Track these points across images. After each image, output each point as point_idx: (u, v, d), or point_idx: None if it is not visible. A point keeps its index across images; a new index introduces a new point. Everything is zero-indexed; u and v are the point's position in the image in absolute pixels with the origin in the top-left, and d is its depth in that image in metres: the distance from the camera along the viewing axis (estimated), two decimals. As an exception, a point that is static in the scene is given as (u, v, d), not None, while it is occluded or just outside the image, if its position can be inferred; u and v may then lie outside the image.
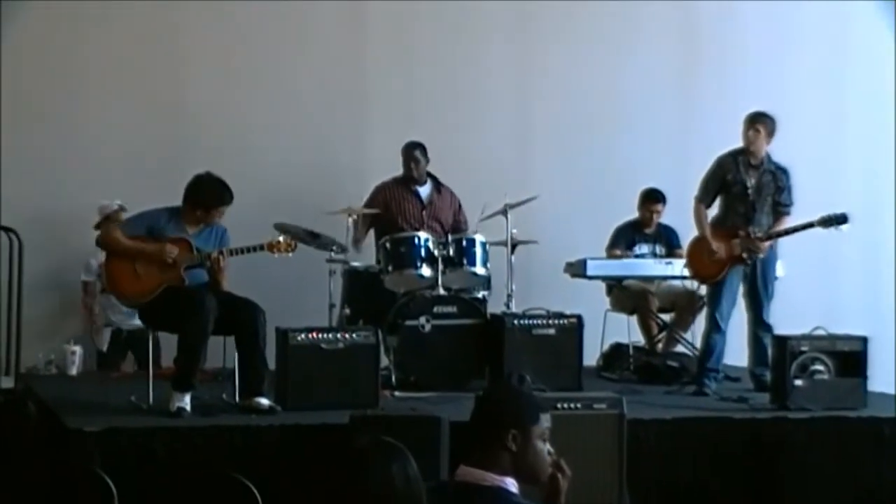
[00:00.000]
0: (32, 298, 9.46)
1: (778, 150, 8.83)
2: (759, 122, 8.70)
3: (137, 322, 8.40)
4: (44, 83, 9.96)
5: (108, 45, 10.11)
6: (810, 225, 8.66)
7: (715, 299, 8.80)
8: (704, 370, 8.79)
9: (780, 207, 8.76)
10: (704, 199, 8.86)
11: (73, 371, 9.45)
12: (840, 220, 8.64)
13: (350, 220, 9.04)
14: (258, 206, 9.41)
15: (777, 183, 8.74)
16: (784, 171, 8.79)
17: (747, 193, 8.71)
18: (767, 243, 8.68)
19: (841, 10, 11.25)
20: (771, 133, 8.71)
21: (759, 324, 8.77)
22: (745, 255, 8.65)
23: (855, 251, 10.76)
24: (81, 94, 10.05)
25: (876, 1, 11.02)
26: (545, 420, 3.79)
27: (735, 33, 11.19)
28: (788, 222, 8.77)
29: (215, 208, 7.84)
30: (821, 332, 8.24)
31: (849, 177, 11.17)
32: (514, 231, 9.13)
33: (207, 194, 7.85)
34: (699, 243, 8.85)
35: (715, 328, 8.76)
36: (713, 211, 8.92)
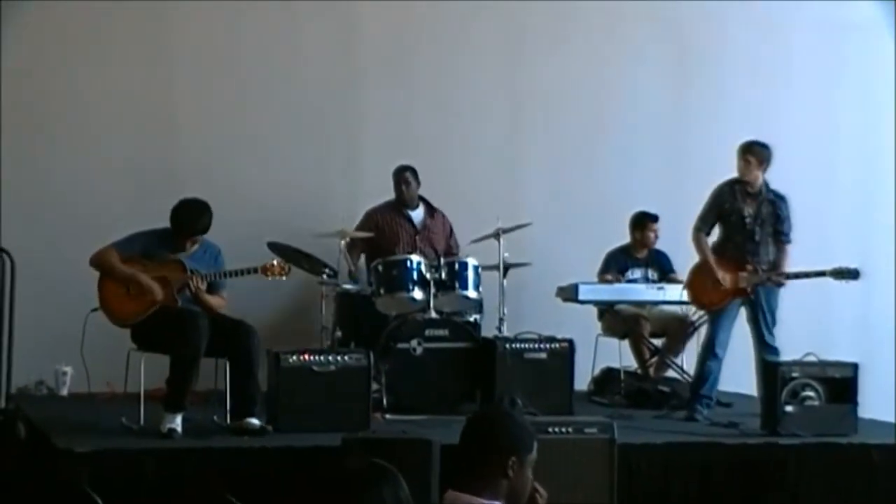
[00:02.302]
0: (24, 318, 9.45)
1: (771, 172, 8.85)
2: (749, 153, 8.73)
3: None
4: (43, 86, 9.98)
5: (103, 53, 10.13)
6: (822, 273, 8.72)
7: (714, 327, 8.80)
8: (698, 397, 8.78)
9: (781, 237, 8.78)
10: (703, 227, 8.89)
11: (64, 391, 9.45)
12: (853, 275, 8.71)
13: (342, 243, 9.04)
14: (251, 228, 9.42)
15: (777, 212, 8.75)
16: (783, 199, 8.81)
17: (745, 223, 8.73)
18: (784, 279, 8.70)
19: (834, 33, 11.28)
20: (763, 161, 8.72)
21: (764, 348, 8.73)
22: (749, 290, 8.67)
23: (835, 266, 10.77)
24: (79, 102, 10.05)
25: (874, 2, 11.03)
26: (535, 448, 3.83)
27: (728, 56, 11.20)
28: (789, 251, 8.79)
29: (188, 236, 7.86)
30: (811, 359, 8.25)
31: (841, 201, 11.20)
32: (506, 255, 9.14)
33: (182, 221, 7.87)
34: (702, 270, 8.85)
35: (711, 355, 8.75)
36: (712, 237, 8.96)
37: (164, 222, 7.96)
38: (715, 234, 8.96)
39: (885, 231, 11.07)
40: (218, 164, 10.06)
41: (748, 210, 8.74)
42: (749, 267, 8.68)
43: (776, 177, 8.88)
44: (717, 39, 11.20)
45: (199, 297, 7.81)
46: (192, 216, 7.88)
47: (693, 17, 11.06)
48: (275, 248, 8.52)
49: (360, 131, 10.60)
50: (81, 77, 10.09)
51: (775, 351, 8.69)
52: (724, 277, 8.69)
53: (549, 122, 10.94)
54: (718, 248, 8.87)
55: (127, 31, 10.19)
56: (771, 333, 8.75)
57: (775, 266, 8.74)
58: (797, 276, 8.73)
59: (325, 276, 8.85)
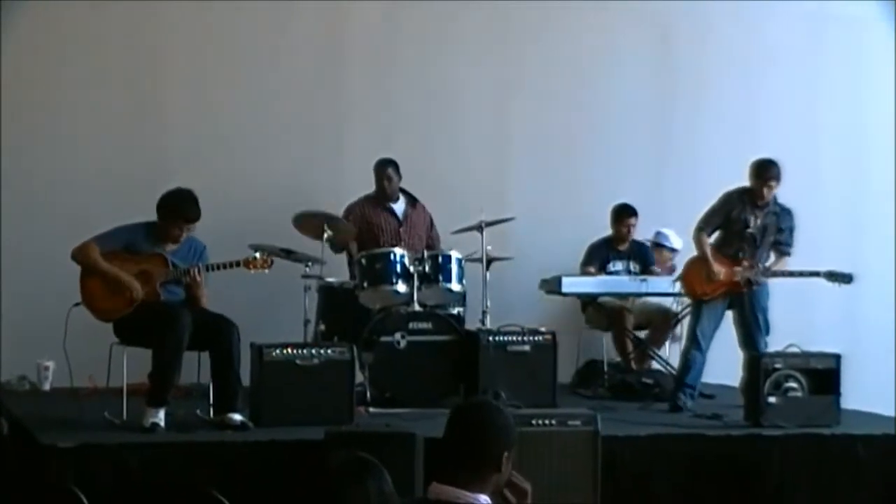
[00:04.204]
0: (6, 313, 9.43)
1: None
2: (772, 178, 8.70)
3: None
4: (38, 86, 9.96)
5: (98, 53, 10.12)
6: (816, 274, 8.81)
7: (697, 317, 8.88)
8: (682, 385, 8.82)
9: (782, 247, 8.85)
10: (705, 228, 8.93)
11: (46, 386, 9.42)
12: (846, 279, 8.79)
13: (325, 235, 9.01)
14: (235, 223, 9.41)
15: (780, 224, 8.81)
16: (788, 212, 8.88)
17: (747, 233, 8.77)
18: (766, 279, 8.74)
19: (818, 29, 11.31)
20: (780, 180, 8.76)
21: (752, 353, 8.74)
22: (742, 284, 8.70)
23: (834, 268, 10.81)
24: (70, 101, 10.03)
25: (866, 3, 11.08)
26: None
27: (712, 52, 11.22)
28: (788, 262, 8.84)
29: (178, 224, 7.84)
30: (794, 350, 8.27)
31: (828, 190, 11.22)
32: (489, 248, 9.13)
33: (174, 208, 7.85)
34: (698, 262, 8.89)
35: (695, 345, 8.81)
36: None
37: (146, 217, 7.95)
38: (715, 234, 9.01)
39: (872, 223, 11.13)
40: (204, 160, 10.03)
41: (753, 221, 8.80)
42: (746, 263, 8.72)
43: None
44: (701, 35, 11.21)
45: (195, 289, 7.79)
46: (186, 203, 7.86)
47: (677, 13, 11.06)
48: (257, 249, 8.50)
49: (345, 125, 10.59)
50: (75, 77, 10.07)
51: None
52: (720, 270, 8.74)
53: (533, 117, 10.93)
54: (717, 248, 8.91)
55: (121, 33, 10.17)
56: (763, 342, 8.78)
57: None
58: (791, 274, 8.83)
59: (307, 269, 8.83)
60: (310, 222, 9.02)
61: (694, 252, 8.98)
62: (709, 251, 8.86)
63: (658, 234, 10.44)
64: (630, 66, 11.13)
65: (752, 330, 8.80)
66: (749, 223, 8.80)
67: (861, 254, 10.86)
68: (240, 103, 10.38)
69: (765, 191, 8.75)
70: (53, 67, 10.04)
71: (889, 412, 8.59)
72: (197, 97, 10.31)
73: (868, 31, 11.22)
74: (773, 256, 8.88)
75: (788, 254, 8.87)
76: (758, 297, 8.81)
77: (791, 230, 8.87)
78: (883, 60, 11.05)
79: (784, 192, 8.94)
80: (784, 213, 8.87)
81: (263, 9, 10.38)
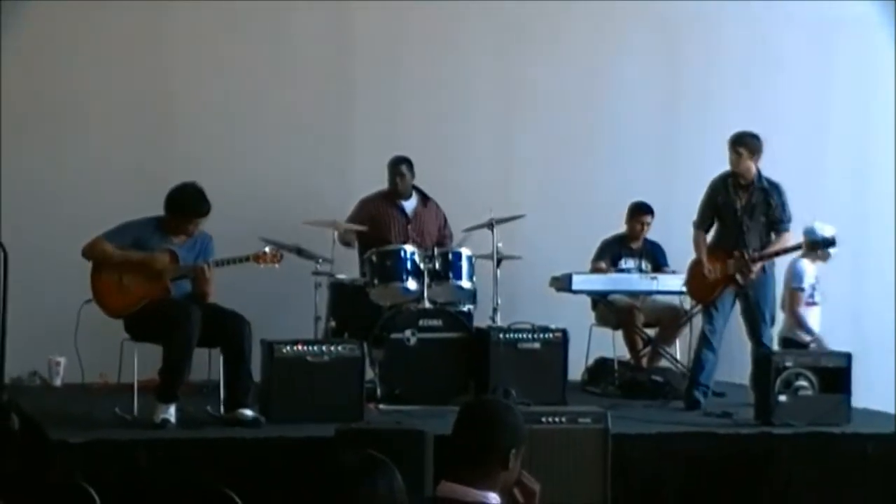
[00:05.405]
0: (18, 309, 9.43)
1: (763, 167, 8.86)
2: (740, 145, 8.71)
3: None
4: (42, 85, 9.98)
5: (100, 51, 10.15)
6: (798, 247, 8.72)
7: (706, 317, 8.87)
8: (695, 384, 8.82)
9: (777, 225, 8.76)
10: (701, 224, 8.93)
11: (58, 382, 9.44)
12: (828, 243, 8.69)
13: (335, 233, 9.03)
14: (243, 219, 9.42)
15: (769, 200, 8.74)
16: (775, 186, 8.78)
17: (736, 215, 8.74)
18: (758, 265, 8.69)
19: (824, 30, 11.29)
20: (754, 152, 8.71)
21: (757, 345, 8.75)
22: (738, 276, 8.67)
23: (839, 267, 10.78)
24: (75, 99, 10.07)
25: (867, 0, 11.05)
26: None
27: (719, 51, 11.20)
28: (788, 238, 8.80)
29: (190, 219, 7.85)
30: (805, 348, 8.27)
31: (833, 191, 11.19)
32: (500, 245, 9.14)
33: (184, 204, 7.85)
34: (697, 266, 8.89)
35: (705, 345, 8.81)
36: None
37: (154, 212, 7.96)
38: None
39: (876, 221, 11.08)
40: (212, 160, 10.02)
41: (740, 202, 8.75)
42: (736, 254, 8.69)
43: (767, 169, 8.88)
44: (707, 36, 11.19)
45: (202, 284, 7.79)
46: (197, 198, 7.87)
47: (685, 15, 11.04)
48: (268, 243, 8.52)
49: (353, 126, 10.60)
50: (78, 75, 10.09)
51: (767, 349, 8.70)
52: (714, 269, 8.73)
53: (540, 117, 10.93)
54: (715, 241, 8.90)
55: (124, 32, 10.20)
56: (767, 332, 8.77)
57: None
58: (776, 253, 8.76)
59: (318, 266, 8.84)
60: (319, 222, 9.06)
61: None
62: (703, 252, 8.84)
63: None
64: (638, 67, 11.11)
65: (756, 322, 8.78)
66: (736, 205, 8.76)
67: (866, 253, 10.86)
68: (247, 103, 10.39)
69: (732, 157, 8.69)
70: (55, 67, 10.06)
71: (891, 409, 8.58)
72: (204, 96, 10.32)
73: (873, 32, 11.18)
74: (773, 237, 8.82)
75: (787, 230, 8.79)
76: (763, 289, 8.78)
77: (783, 205, 8.74)
78: (886, 62, 11.02)
79: (790, 193, 8.91)
80: (772, 188, 8.76)
81: (271, 9, 10.39)
